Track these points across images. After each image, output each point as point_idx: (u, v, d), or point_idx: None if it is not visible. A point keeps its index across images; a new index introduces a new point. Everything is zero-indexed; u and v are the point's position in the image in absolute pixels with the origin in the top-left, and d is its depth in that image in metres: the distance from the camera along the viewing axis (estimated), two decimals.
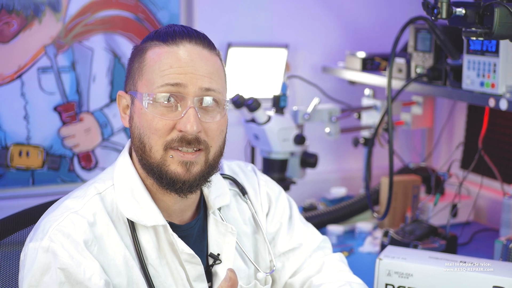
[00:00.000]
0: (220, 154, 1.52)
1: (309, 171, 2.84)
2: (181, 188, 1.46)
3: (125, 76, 1.55)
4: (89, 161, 2.86)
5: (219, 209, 1.63)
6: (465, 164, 3.09)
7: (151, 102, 1.43)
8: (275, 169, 2.57)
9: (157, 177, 1.46)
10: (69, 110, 2.80)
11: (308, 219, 2.72)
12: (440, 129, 3.23)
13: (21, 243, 1.75)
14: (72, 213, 1.43)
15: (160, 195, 1.51)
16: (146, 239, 1.49)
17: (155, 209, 1.48)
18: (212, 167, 1.50)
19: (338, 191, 3.02)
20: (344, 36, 3.22)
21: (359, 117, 3.03)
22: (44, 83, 2.74)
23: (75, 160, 2.84)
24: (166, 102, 1.43)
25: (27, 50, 2.71)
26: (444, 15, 1.70)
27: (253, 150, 2.93)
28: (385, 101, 2.89)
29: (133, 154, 1.52)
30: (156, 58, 1.44)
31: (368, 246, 2.63)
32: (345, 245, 2.65)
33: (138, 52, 1.50)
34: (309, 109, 2.69)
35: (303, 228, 1.77)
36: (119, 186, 1.49)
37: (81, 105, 2.82)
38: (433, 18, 1.71)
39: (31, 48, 2.71)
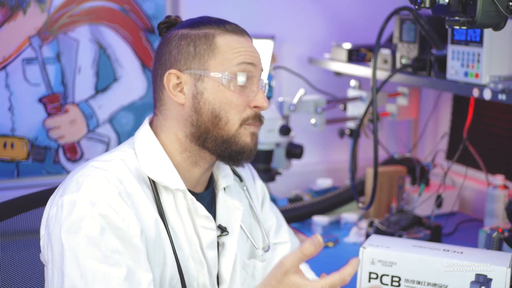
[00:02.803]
0: None
1: (294, 162, 2.84)
2: (248, 156, 1.61)
3: (171, 58, 1.59)
4: (74, 153, 2.85)
5: (224, 189, 1.72)
6: (450, 154, 3.11)
7: (233, 79, 1.56)
8: (261, 160, 2.58)
9: (225, 148, 1.57)
10: (54, 102, 2.79)
11: (294, 210, 2.73)
12: (426, 120, 3.24)
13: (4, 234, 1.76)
14: (103, 170, 1.50)
15: (189, 167, 1.60)
16: (167, 202, 1.57)
17: (177, 174, 1.57)
18: None
19: (324, 182, 3.03)
20: (330, 27, 3.22)
21: (345, 108, 3.04)
22: (29, 74, 2.73)
23: (60, 152, 2.83)
24: (242, 82, 1.56)
25: (12, 41, 2.69)
26: (427, 4, 1.70)
27: None
28: (371, 92, 2.90)
29: (159, 128, 1.61)
30: (229, 42, 1.58)
31: (354, 236, 2.64)
32: (331, 235, 2.66)
33: (205, 36, 1.58)
34: (295, 100, 2.69)
35: (288, 228, 1.92)
36: (141, 153, 1.57)
37: (66, 96, 2.81)
38: (416, 7, 1.71)
39: (16, 39, 2.70)
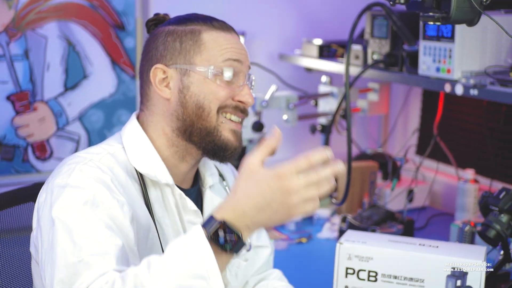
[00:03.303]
0: None
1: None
2: (232, 154, 1.60)
3: (157, 54, 1.60)
4: (43, 151, 2.81)
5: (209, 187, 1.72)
6: (420, 150, 3.13)
7: (219, 73, 1.57)
8: None
9: (208, 142, 1.58)
10: (23, 99, 2.75)
11: None
12: (396, 115, 3.26)
13: None
14: (94, 160, 1.51)
15: (177, 162, 1.61)
16: (154, 197, 1.57)
17: (165, 169, 1.57)
18: None
19: None
20: (301, 23, 3.22)
21: (316, 104, 3.04)
22: None
23: (29, 150, 2.79)
24: (228, 77, 1.57)
25: None
26: (402, 0, 1.71)
27: None
28: (342, 88, 2.92)
29: (146, 123, 1.61)
30: (215, 38, 1.59)
31: (326, 232, 2.64)
32: (304, 231, 2.66)
33: (187, 33, 1.60)
34: (267, 96, 2.69)
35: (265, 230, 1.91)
36: (129, 147, 1.58)
37: (35, 94, 2.77)
38: (391, 3, 1.72)
39: None
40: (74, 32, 2.80)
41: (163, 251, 1.50)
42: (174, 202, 1.60)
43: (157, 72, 1.60)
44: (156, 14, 1.70)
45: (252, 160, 1.34)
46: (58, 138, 2.83)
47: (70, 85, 2.83)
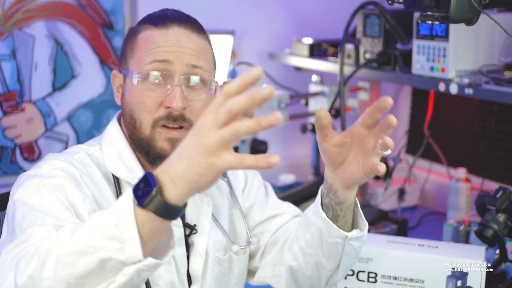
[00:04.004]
0: None
1: None
2: None
3: (119, 57, 1.62)
4: (32, 152, 2.77)
5: None
6: (410, 149, 3.13)
7: (140, 79, 1.50)
8: None
9: (146, 152, 1.53)
10: (10, 100, 2.70)
11: None
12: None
13: None
14: (70, 157, 1.51)
15: (148, 168, 1.56)
16: None
17: (140, 169, 1.54)
18: None
19: (287, 178, 3.02)
20: (290, 22, 3.21)
21: (307, 104, 3.03)
22: None
23: (17, 152, 2.74)
24: (155, 80, 1.50)
25: None
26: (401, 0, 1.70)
27: None
28: (333, 87, 2.91)
29: (123, 126, 1.59)
30: (147, 39, 1.52)
31: None
32: None
33: (131, 34, 1.58)
34: None
35: (280, 202, 1.82)
36: (106, 148, 1.56)
37: (23, 94, 2.72)
38: (389, 2, 1.71)
39: None
40: (62, 31, 2.76)
41: None
42: None
43: (114, 79, 1.60)
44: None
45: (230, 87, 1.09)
46: (46, 139, 2.79)
47: (58, 85, 2.79)
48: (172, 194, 1.10)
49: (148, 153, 1.53)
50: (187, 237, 1.61)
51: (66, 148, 2.78)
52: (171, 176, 1.10)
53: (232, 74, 2.60)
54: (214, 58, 1.61)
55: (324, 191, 1.53)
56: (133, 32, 1.57)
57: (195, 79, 1.52)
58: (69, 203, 1.40)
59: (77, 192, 1.42)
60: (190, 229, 1.61)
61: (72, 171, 1.47)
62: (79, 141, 2.83)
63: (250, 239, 1.71)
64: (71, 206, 1.40)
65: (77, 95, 2.82)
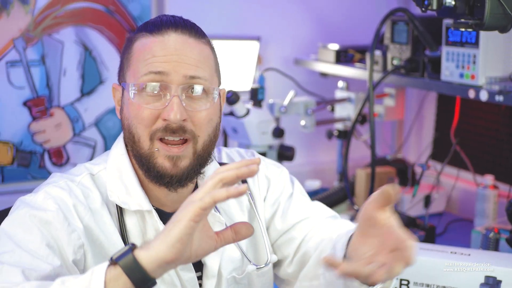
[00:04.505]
0: (210, 144, 1.49)
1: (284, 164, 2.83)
2: (169, 182, 1.45)
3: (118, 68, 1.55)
4: (60, 157, 2.79)
5: None
6: (436, 155, 3.12)
7: (136, 92, 1.43)
8: None
9: (146, 169, 1.46)
10: (39, 105, 2.73)
11: None
12: (410, 120, 3.25)
13: None
14: (70, 180, 1.47)
15: (151, 186, 1.50)
16: (132, 223, 1.48)
17: (141, 194, 1.48)
18: (202, 158, 1.48)
19: (313, 184, 3.02)
20: (315, 28, 3.21)
21: (333, 110, 3.03)
22: (13, 77, 2.67)
23: (46, 156, 2.77)
24: (153, 92, 1.42)
25: None
26: (434, 6, 1.70)
27: (225, 142, 2.90)
28: (360, 93, 2.91)
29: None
30: (142, 48, 1.44)
31: None
32: None
33: (127, 44, 1.50)
34: (286, 102, 2.68)
35: (307, 203, 1.70)
36: (110, 169, 1.50)
37: (52, 99, 2.75)
38: (423, 9, 1.71)
39: None
40: (90, 37, 2.78)
41: None
42: (155, 227, 1.48)
43: (114, 91, 1.53)
44: None
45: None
46: (74, 144, 2.81)
47: (86, 91, 2.81)
48: (140, 255, 1.17)
49: (149, 170, 1.45)
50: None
51: (93, 153, 2.82)
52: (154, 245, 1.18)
53: (260, 80, 2.60)
54: (216, 63, 1.53)
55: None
56: (129, 42, 1.49)
57: (196, 89, 1.44)
58: (53, 239, 1.36)
59: (63, 228, 1.38)
60: None
61: (66, 201, 1.42)
62: (106, 146, 2.86)
63: (269, 259, 1.60)
64: (55, 242, 1.36)
65: (105, 101, 2.84)
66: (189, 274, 1.52)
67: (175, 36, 1.44)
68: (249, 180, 1.66)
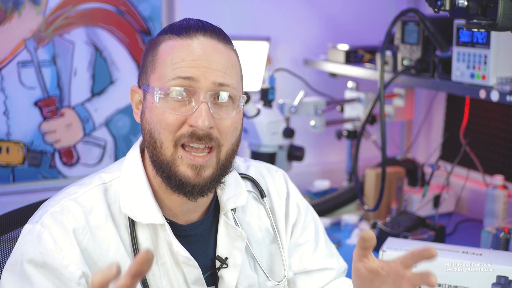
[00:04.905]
0: (233, 153, 1.46)
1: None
2: (190, 191, 1.41)
3: (138, 70, 1.51)
4: (70, 157, 2.81)
5: (234, 210, 1.57)
6: (445, 155, 3.12)
7: (163, 96, 1.39)
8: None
9: (166, 177, 1.41)
10: (50, 105, 2.74)
11: None
12: (419, 120, 3.26)
13: None
14: (71, 200, 1.43)
15: (168, 194, 1.46)
16: (144, 237, 1.45)
17: (155, 207, 1.44)
18: (224, 168, 1.45)
19: (322, 184, 3.02)
20: (325, 28, 3.22)
21: (342, 110, 3.04)
22: (24, 78, 2.68)
23: (57, 156, 2.78)
24: (178, 97, 1.39)
25: (7, 44, 2.64)
26: (447, 7, 1.71)
27: None
28: (369, 94, 2.92)
29: (145, 150, 1.49)
30: (169, 51, 1.41)
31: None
32: (333, 237, 2.65)
33: (151, 46, 1.46)
34: (295, 102, 2.68)
35: (330, 250, 1.73)
36: (124, 179, 1.47)
37: (62, 99, 2.76)
38: (436, 10, 1.72)
39: (11, 41, 2.64)
40: (101, 37, 2.79)
41: None
42: (167, 240, 1.45)
43: (133, 94, 1.49)
44: None
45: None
46: (85, 144, 2.83)
47: (97, 91, 2.82)
48: None
49: (169, 178, 1.41)
50: (217, 270, 1.53)
51: (103, 153, 2.84)
52: None
53: (271, 81, 2.61)
54: (241, 70, 1.50)
55: None
56: (154, 44, 1.45)
57: (223, 96, 1.41)
58: (56, 277, 1.37)
59: (59, 265, 1.37)
60: (220, 263, 1.52)
61: (62, 230, 1.39)
62: (116, 146, 2.87)
63: (285, 277, 1.61)
64: (59, 279, 1.37)
65: (115, 101, 2.85)
66: None
67: (204, 40, 1.41)
68: (275, 198, 1.65)
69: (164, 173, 1.41)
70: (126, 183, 1.46)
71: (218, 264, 1.52)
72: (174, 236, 1.45)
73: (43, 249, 1.37)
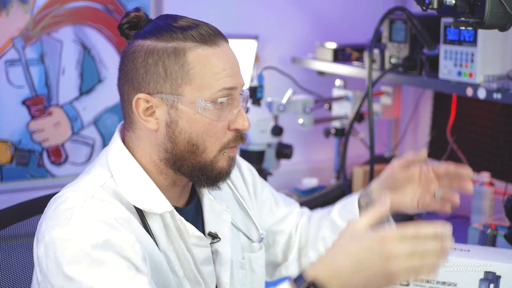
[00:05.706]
0: None
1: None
2: (224, 179, 1.51)
3: (139, 78, 1.44)
4: (58, 156, 2.80)
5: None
6: (432, 153, 3.14)
7: (207, 106, 1.42)
8: (253, 160, 2.57)
9: (203, 174, 1.47)
10: (38, 104, 2.74)
11: None
12: (407, 118, 3.27)
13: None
14: (90, 198, 1.39)
15: (168, 187, 1.50)
16: (156, 226, 1.47)
17: (161, 195, 1.46)
18: None
19: (310, 182, 3.03)
20: (313, 27, 3.23)
21: (330, 108, 3.05)
22: (12, 76, 2.67)
23: (45, 155, 2.78)
24: (223, 105, 1.45)
25: None
26: (435, 5, 1.72)
27: None
28: (357, 92, 2.93)
29: (133, 146, 1.48)
30: (204, 60, 1.42)
31: None
32: None
33: (173, 54, 1.42)
34: (284, 100, 2.69)
35: (281, 195, 1.91)
36: (120, 177, 1.45)
37: (50, 98, 2.76)
38: (424, 8, 1.73)
39: None
40: (89, 36, 2.79)
41: (174, 281, 1.47)
42: (175, 226, 1.48)
43: (140, 103, 1.43)
44: (127, 14, 1.51)
45: (359, 221, 1.25)
46: (73, 142, 2.82)
47: (85, 90, 2.82)
48: None
49: (206, 175, 1.47)
50: (211, 246, 1.56)
51: (92, 152, 2.83)
52: (341, 284, 1.20)
53: (260, 79, 2.62)
54: None
55: (363, 204, 1.58)
56: (177, 52, 1.41)
57: (246, 96, 1.53)
58: (125, 259, 1.33)
59: (124, 243, 1.34)
60: (212, 237, 1.57)
61: (105, 219, 1.36)
62: (105, 145, 2.85)
63: (262, 234, 1.72)
64: (128, 260, 1.33)
65: (104, 99, 2.85)
66: (209, 267, 1.54)
67: (227, 47, 1.47)
68: (237, 183, 1.76)
69: (198, 171, 1.47)
70: (124, 180, 1.45)
71: (209, 240, 1.56)
72: (185, 220, 1.49)
73: (98, 236, 1.32)
